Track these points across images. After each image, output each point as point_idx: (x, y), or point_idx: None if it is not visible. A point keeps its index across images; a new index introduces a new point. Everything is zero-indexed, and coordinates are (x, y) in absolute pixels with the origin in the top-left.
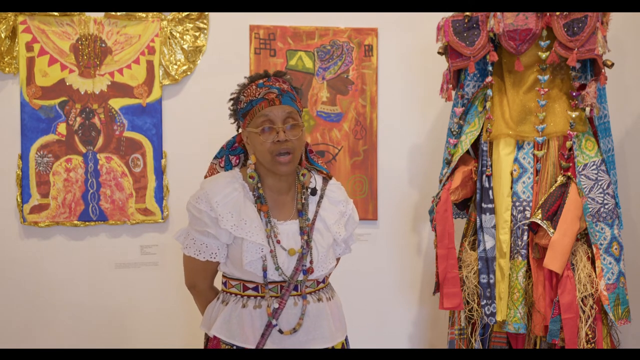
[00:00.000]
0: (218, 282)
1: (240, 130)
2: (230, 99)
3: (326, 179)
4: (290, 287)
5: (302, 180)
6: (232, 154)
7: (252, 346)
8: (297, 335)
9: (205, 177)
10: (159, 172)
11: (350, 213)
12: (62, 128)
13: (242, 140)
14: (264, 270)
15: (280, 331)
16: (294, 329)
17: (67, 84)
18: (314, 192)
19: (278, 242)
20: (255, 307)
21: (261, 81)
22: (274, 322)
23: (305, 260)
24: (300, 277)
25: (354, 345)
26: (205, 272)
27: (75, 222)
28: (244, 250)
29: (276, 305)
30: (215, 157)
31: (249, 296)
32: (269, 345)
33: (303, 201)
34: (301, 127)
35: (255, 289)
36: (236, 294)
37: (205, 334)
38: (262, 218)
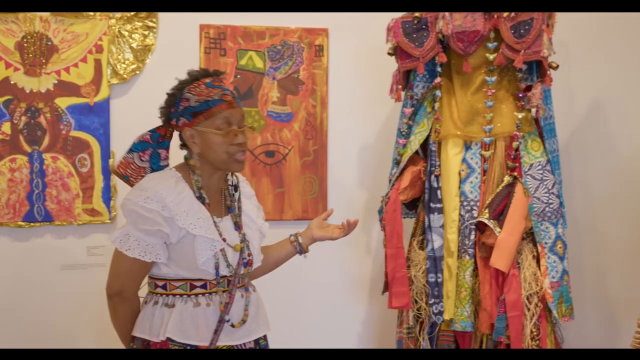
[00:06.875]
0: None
1: (177, 126)
2: (171, 95)
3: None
4: (236, 281)
5: (234, 179)
6: (160, 148)
7: (207, 344)
8: (245, 326)
9: (118, 171)
10: (107, 172)
11: (258, 204)
12: (6, 127)
13: (166, 134)
14: (216, 268)
15: (233, 325)
16: (243, 321)
17: (12, 82)
18: (235, 188)
19: (224, 240)
20: (207, 304)
21: (208, 80)
22: (226, 317)
23: (244, 253)
24: (242, 270)
25: (304, 344)
26: (139, 276)
27: (20, 223)
28: (197, 249)
29: (227, 300)
30: (131, 151)
31: (196, 294)
32: (222, 339)
33: (231, 197)
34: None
35: (204, 286)
36: (182, 295)
37: (138, 340)
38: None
